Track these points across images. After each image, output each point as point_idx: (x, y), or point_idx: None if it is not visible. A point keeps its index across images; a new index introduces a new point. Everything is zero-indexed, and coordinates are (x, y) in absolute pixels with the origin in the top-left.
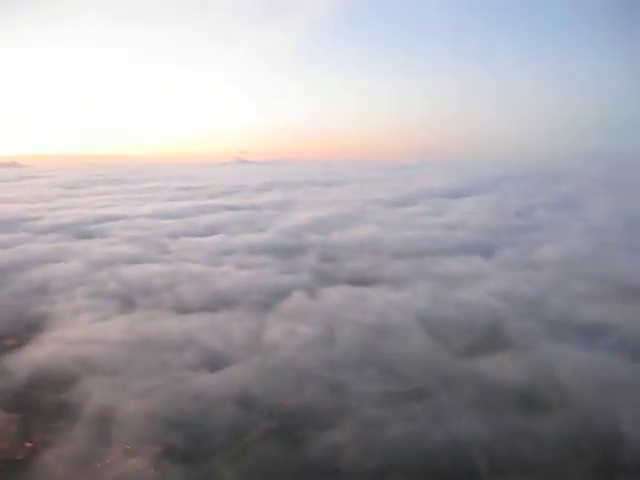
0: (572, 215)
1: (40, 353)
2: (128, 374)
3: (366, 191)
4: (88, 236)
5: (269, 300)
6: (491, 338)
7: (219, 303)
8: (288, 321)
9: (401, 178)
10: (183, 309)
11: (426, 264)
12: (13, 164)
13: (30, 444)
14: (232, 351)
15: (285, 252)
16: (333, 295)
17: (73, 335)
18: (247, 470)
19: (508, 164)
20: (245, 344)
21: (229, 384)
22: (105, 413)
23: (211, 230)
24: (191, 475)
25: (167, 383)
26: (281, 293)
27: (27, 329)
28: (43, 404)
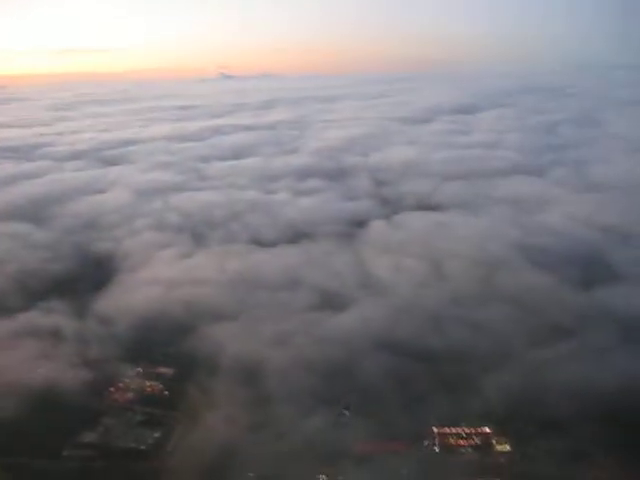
0: (600, 132)
1: (137, 297)
2: (250, 318)
3: (375, 107)
4: (113, 162)
5: (348, 230)
6: (599, 269)
7: (296, 234)
8: (385, 253)
9: (400, 92)
10: (262, 242)
11: (484, 186)
12: None
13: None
14: (346, 289)
15: (332, 175)
16: (413, 223)
17: (163, 275)
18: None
19: (502, 75)
20: (355, 281)
21: (364, 327)
22: (249, 363)
23: (239, 153)
24: (371, 429)
25: (298, 327)
26: (356, 221)
27: (103, 269)
28: (172, 354)
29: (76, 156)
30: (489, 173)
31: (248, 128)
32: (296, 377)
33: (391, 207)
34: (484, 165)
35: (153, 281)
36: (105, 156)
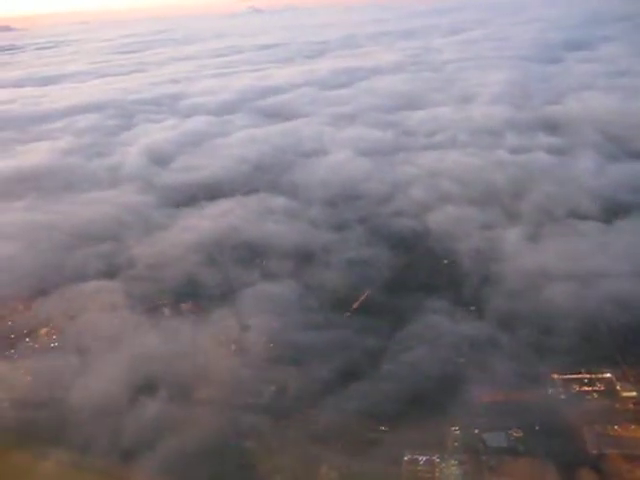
0: None
1: (557, 295)
2: None
3: (475, 44)
4: (279, 115)
5: None
6: None
7: (604, 208)
8: None
9: (474, 24)
10: (583, 216)
11: None
12: (6, 28)
13: None
14: None
15: (553, 128)
16: None
17: (550, 266)
18: None
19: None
20: None
21: None
22: None
23: (410, 101)
24: None
25: None
26: None
27: (438, 255)
28: None
29: (228, 109)
30: None
31: (376, 71)
32: None
33: None
34: None
35: (548, 274)
36: (262, 108)
